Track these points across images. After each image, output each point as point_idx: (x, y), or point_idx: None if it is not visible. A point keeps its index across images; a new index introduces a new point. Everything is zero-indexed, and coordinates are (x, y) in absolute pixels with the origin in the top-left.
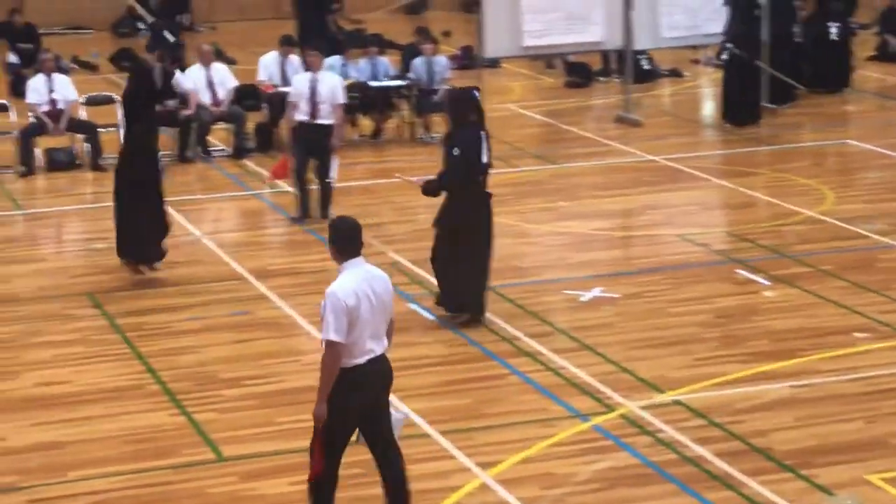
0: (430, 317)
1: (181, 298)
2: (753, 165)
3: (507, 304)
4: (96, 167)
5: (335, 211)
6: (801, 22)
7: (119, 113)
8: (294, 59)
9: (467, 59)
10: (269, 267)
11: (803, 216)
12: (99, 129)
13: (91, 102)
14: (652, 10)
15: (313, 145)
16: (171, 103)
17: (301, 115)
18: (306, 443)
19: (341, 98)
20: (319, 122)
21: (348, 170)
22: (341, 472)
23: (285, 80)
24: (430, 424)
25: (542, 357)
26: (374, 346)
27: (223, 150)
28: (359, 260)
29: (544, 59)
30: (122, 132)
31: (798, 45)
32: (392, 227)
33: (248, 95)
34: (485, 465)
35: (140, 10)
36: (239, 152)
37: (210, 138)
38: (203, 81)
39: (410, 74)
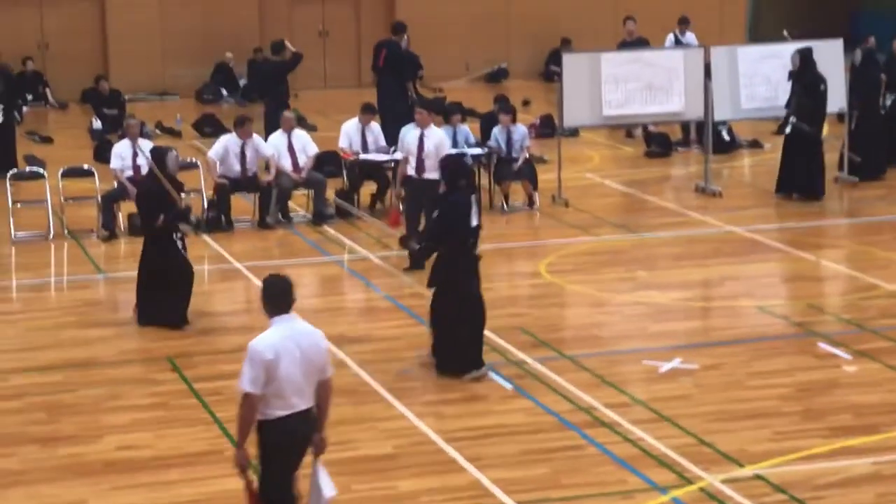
0: (508, 385)
1: None
2: (834, 238)
3: (584, 373)
4: None
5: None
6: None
7: (201, 177)
8: (374, 126)
9: (547, 128)
10: (347, 333)
11: (885, 290)
12: (181, 195)
13: None
14: (732, 81)
15: (420, 199)
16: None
17: (409, 170)
18: None
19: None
20: (426, 176)
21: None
22: None
23: (365, 147)
24: (507, 494)
25: (621, 428)
26: (296, 402)
27: (303, 215)
28: (289, 316)
29: (624, 128)
30: (204, 197)
31: (884, 117)
32: None
33: (328, 162)
34: None
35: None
36: (319, 218)
37: (290, 204)
38: (284, 147)
39: (490, 142)
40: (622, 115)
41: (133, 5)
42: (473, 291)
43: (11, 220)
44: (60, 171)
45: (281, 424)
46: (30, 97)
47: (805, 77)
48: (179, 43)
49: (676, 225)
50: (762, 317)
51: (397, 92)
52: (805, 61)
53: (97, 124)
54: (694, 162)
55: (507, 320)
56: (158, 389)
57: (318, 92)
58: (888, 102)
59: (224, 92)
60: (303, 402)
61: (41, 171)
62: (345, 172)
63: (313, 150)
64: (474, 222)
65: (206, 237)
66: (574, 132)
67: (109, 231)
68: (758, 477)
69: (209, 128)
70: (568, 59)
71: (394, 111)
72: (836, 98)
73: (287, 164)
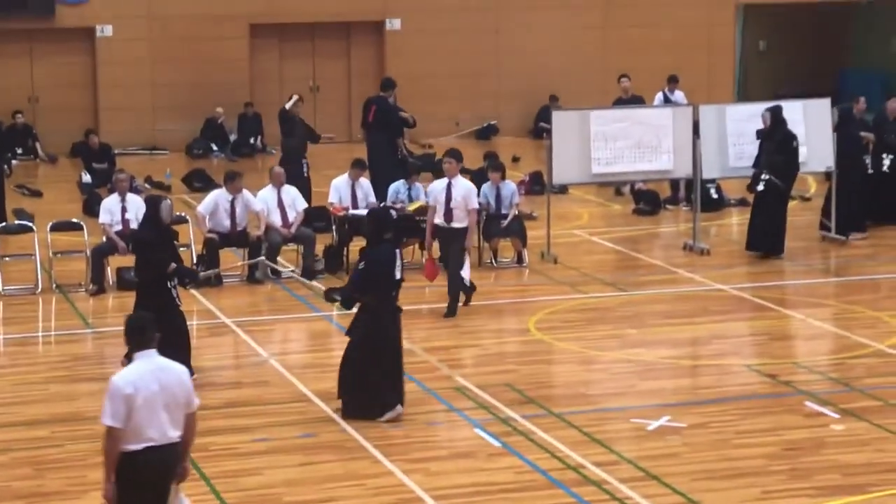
0: (496, 442)
1: (247, 419)
2: (821, 297)
3: (573, 431)
4: None
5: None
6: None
7: (190, 231)
8: (364, 182)
9: (536, 185)
10: (335, 389)
11: (872, 349)
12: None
13: None
14: (720, 139)
15: (449, 247)
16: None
17: (437, 219)
18: None
19: (474, 203)
20: (454, 225)
21: (417, 292)
22: None
23: (355, 203)
24: None
25: (609, 486)
26: (154, 435)
27: (292, 270)
28: (150, 352)
29: (613, 185)
30: (193, 251)
31: (870, 175)
32: (459, 352)
33: (318, 217)
34: None
35: None
36: (308, 273)
37: (279, 259)
38: (274, 202)
39: (479, 199)
40: (611, 172)
41: (124, 60)
42: (391, 341)
43: (0, 273)
44: (49, 224)
45: (137, 457)
46: (19, 150)
47: (776, 134)
48: (169, 97)
49: (665, 282)
50: (750, 375)
51: (387, 148)
52: (776, 119)
53: (87, 178)
54: (682, 220)
55: (495, 377)
56: None
57: (309, 147)
58: (886, 162)
59: (214, 147)
60: (162, 437)
61: (30, 224)
62: (334, 228)
63: (302, 205)
64: (397, 275)
65: (194, 292)
66: (563, 189)
67: (98, 285)
68: None
69: (199, 182)
70: (557, 117)
71: (384, 167)
72: (825, 156)
73: (277, 220)
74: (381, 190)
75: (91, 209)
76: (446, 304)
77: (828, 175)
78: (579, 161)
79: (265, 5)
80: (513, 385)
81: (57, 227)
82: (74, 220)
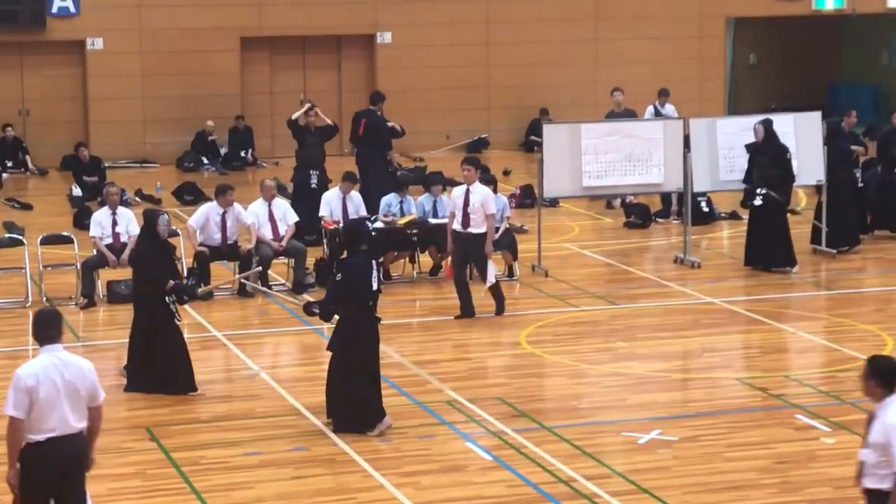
0: (487, 456)
1: (238, 433)
2: (813, 310)
3: (564, 444)
4: None
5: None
6: (862, 166)
7: (181, 245)
8: (355, 195)
9: (527, 198)
10: (325, 402)
11: (862, 362)
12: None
13: None
14: (711, 153)
15: (467, 252)
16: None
17: (456, 225)
18: None
19: (491, 208)
20: (471, 230)
21: (407, 306)
22: None
23: (346, 216)
24: None
25: (600, 500)
26: (56, 426)
27: (283, 284)
28: (55, 346)
29: (604, 199)
30: (184, 265)
31: (861, 188)
32: (450, 365)
33: (308, 230)
34: None
35: None
36: (298, 287)
37: (270, 272)
38: (265, 216)
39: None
40: (602, 185)
41: (114, 73)
42: (370, 352)
43: None
44: (40, 237)
45: (40, 447)
46: (9, 163)
47: (770, 148)
48: (160, 110)
49: (656, 296)
50: (741, 388)
51: (377, 161)
52: (769, 132)
53: (77, 191)
54: (673, 233)
55: (486, 390)
56: (136, 459)
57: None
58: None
59: (205, 160)
60: (65, 428)
61: (20, 237)
62: (325, 241)
63: (293, 218)
64: (374, 286)
65: (185, 305)
66: (554, 202)
67: (88, 298)
68: None
69: (189, 196)
70: (548, 130)
71: (374, 180)
72: (815, 170)
73: (268, 233)
74: (371, 203)
75: (81, 222)
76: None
77: (818, 188)
78: (570, 174)
79: (256, 18)
80: (504, 398)
81: (47, 241)
82: (65, 233)
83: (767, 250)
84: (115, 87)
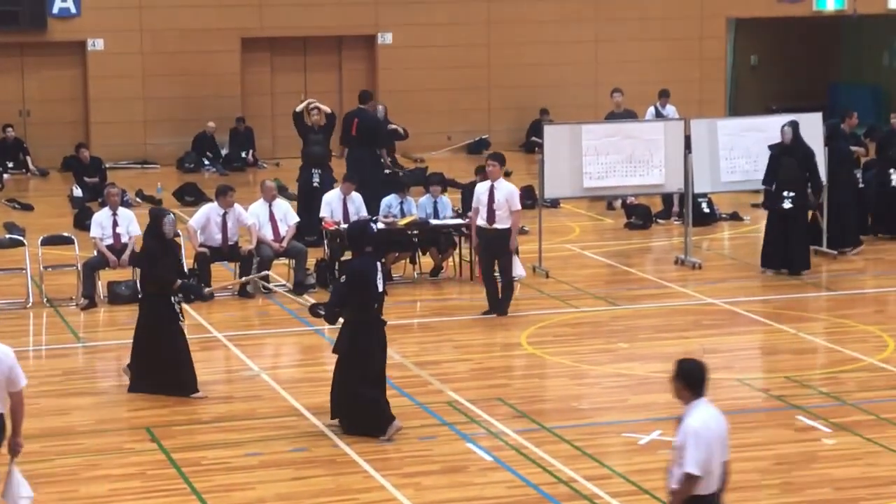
0: (488, 457)
1: (239, 434)
2: (813, 311)
3: (564, 445)
4: None
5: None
6: (863, 167)
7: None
8: (356, 196)
9: (528, 199)
10: (326, 403)
11: (864, 363)
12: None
13: None
14: (712, 154)
15: (492, 248)
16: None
17: (480, 221)
18: None
19: (517, 205)
20: (496, 226)
21: (408, 307)
22: None
23: (347, 217)
24: None
25: (601, 500)
26: None
27: (284, 285)
28: None
29: (604, 200)
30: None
31: (862, 189)
32: (451, 366)
33: (309, 231)
34: None
35: None
36: (299, 288)
37: (271, 273)
38: (265, 217)
39: (470, 213)
40: (603, 186)
41: (115, 74)
42: (375, 354)
43: None
44: (40, 238)
45: None
46: (10, 164)
47: (798, 150)
48: (161, 111)
49: (656, 297)
50: (741, 389)
51: (371, 161)
52: (797, 134)
53: (78, 192)
54: (674, 234)
55: (487, 391)
56: (136, 459)
57: (300, 161)
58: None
59: (205, 161)
60: None
61: (21, 238)
62: (325, 242)
63: (294, 219)
64: (380, 288)
65: (185, 306)
66: (555, 203)
67: (89, 299)
68: None
69: (190, 196)
70: (549, 131)
71: (369, 181)
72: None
73: (268, 234)
74: (368, 204)
75: (82, 223)
76: (493, 303)
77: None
78: (571, 175)
79: (257, 19)
80: (504, 399)
81: (48, 241)
82: (65, 234)
83: (792, 253)
84: (115, 87)
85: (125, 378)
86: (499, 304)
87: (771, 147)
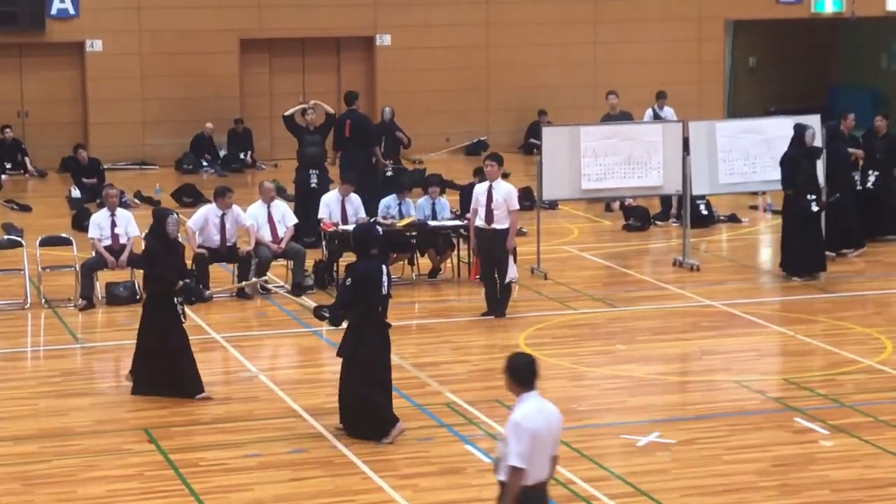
0: (485, 458)
1: (237, 435)
2: (811, 313)
3: (562, 446)
4: None
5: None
6: (861, 170)
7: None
8: (354, 197)
9: (526, 200)
10: (324, 405)
11: (862, 365)
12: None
13: None
14: (710, 156)
15: (490, 248)
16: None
17: (478, 221)
18: None
19: (515, 205)
20: (494, 227)
21: (406, 308)
22: None
23: (345, 218)
24: None
25: (598, 502)
26: None
27: (282, 286)
28: None
29: (603, 201)
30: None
31: (860, 191)
32: (449, 367)
33: (307, 232)
34: None
35: None
36: (297, 289)
37: (269, 274)
38: (264, 218)
39: (469, 215)
40: (601, 188)
41: (113, 74)
42: (380, 357)
43: None
44: (38, 239)
45: None
46: (8, 165)
47: (818, 153)
48: (159, 112)
49: (654, 298)
50: (739, 391)
51: (364, 162)
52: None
53: (76, 193)
54: (672, 236)
55: (484, 392)
56: (134, 460)
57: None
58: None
59: (204, 162)
60: None
61: (19, 239)
62: (324, 243)
63: (292, 220)
64: (385, 291)
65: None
66: (553, 205)
67: (87, 300)
68: None
69: (188, 197)
70: (547, 133)
71: (364, 182)
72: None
73: (266, 235)
74: (364, 205)
75: (80, 224)
76: (491, 305)
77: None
78: (569, 177)
79: (255, 20)
80: (503, 401)
81: (46, 242)
82: (63, 234)
83: (813, 256)
84: (114, 88)
85: (127, 382)
86: (497, 305)
87: (792, 150)
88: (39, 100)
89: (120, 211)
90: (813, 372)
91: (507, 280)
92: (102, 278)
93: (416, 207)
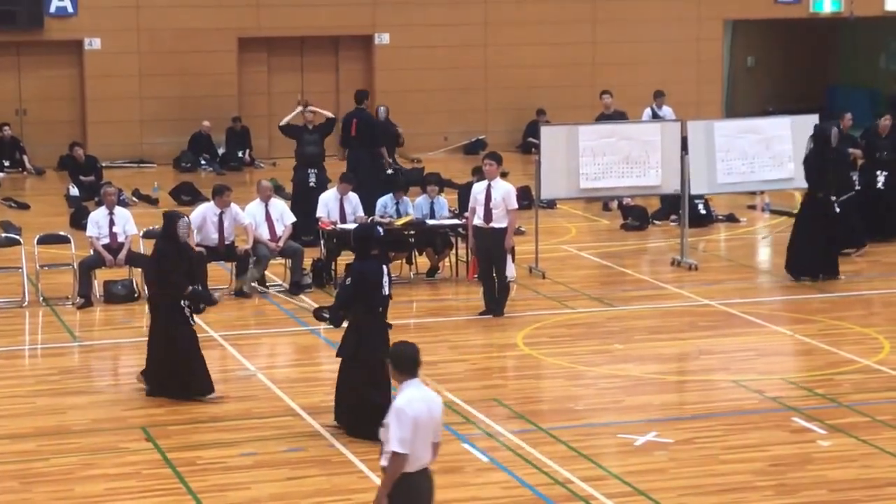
0: (483, 457)
1: (234, 434)
2: (809, 312)
3: (560, 446)
4: None
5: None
6: (860, 170)
7: None
8: (353, 196)
9: (524, 200)
10: (322, 403)
11: (860, 365)
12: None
13: (149, 236)
14: (709, 155)
15: (489, 247)
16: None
17: (477, 220)
18: None
19: (513, 204)
20: (493, 225)
21: (404, 307)
22: None
23: (343, 217)
24: None
25: (596, 501)
26: None
27: (280, 284)
28: None
29: (601, 200)
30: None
31: (868, 192)
32: (447, 366)
33: (305, 231)
34: None
35: None
36: (296, 288)
37: (267, 273)
38: (262, 216)
39: (467, 213)
40: (599, 187)
41: (111, 73)
42: (380, 357)
43: None
44: (36, 237)
45: None
46: (7, 163)
47: (835, 152)
48: (157, 111)
49: (652, 298)
50: (737, 391)
51: (370, 161)
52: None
53: (74, 191)
54: (670, 235)
55: (482, 392)
56: (132, 459)
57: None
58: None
59: (202, 160)
60: None
61: (17, 237)
62: (322, 242)
63: (290, 219)
64: (385, 291)
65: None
66: (551, 204)
67: (85, 298)
68: None
69: (186, 196)
70: (546, 132)
71: (368, 181)
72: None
73: (265, 234)
74: (366, 204)
75: (78, 222)
76: (489, 304)
77: None
78: (567, 176)
79: (254, 19)
80: (500, 400)
81: (44, 240)
82: (61, 233)
83: (827, 258)
84: (112, 87)
85: (137, 382)
86: (495, 304)
87: (817, 151)
88: (38, 98)
89: (118, 209)
90: (811, 372)
91: (506, 279)
92: (100, 276)
93: (415, 206)
